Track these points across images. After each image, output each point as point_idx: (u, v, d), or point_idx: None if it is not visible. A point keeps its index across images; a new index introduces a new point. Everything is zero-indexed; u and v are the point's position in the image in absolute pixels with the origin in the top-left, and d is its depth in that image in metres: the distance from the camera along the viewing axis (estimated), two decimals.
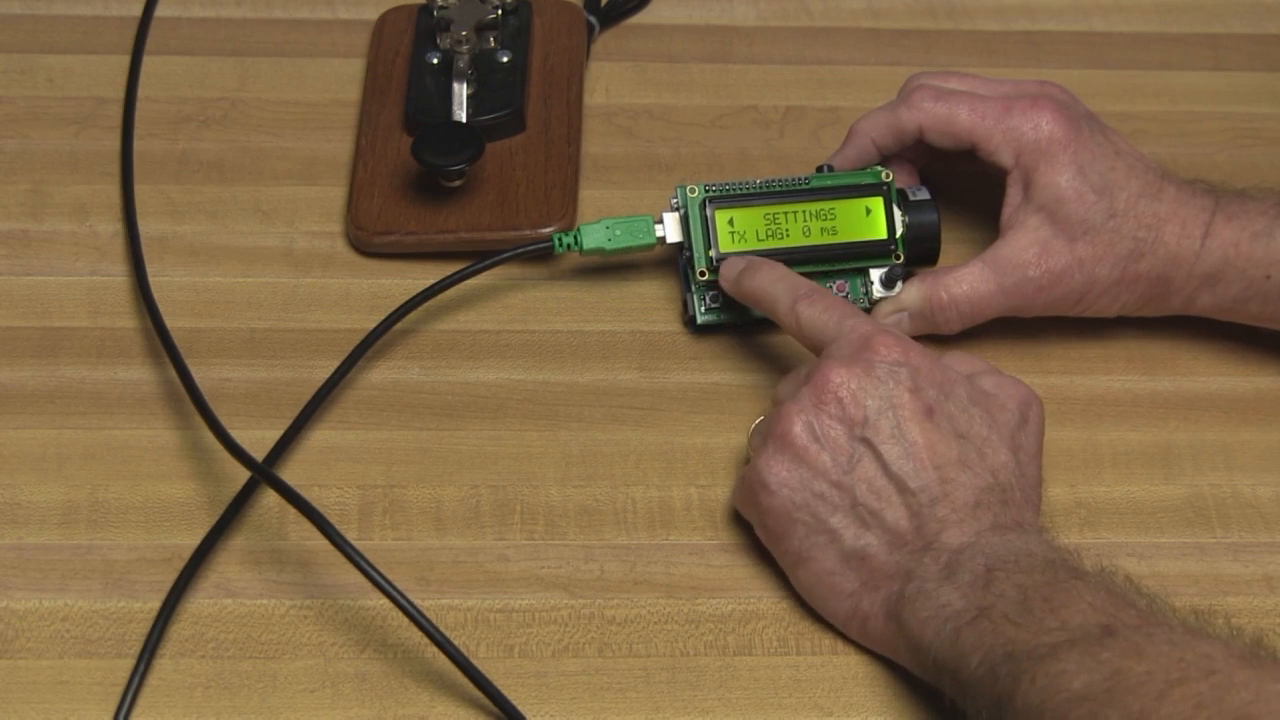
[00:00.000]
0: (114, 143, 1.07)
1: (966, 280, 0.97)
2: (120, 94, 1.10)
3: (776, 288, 0.93)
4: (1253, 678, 0.73)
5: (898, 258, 1.00)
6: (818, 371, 0.87)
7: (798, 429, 0.87)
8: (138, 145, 1.07)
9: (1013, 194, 0.98)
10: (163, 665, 0.86)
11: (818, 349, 0.90)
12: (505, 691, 0.85)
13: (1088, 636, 0.77)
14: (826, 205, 0.99)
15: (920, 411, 0.86)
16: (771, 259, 0.97)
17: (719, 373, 0.99)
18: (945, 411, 0.87)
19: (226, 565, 0.90)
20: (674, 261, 1.02)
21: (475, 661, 0.85)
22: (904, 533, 0.85)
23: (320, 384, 0.95)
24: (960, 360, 0.91)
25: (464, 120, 1.05)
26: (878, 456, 0.86)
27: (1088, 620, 0.78)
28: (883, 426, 0.86)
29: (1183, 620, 0.79)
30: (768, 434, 0.88)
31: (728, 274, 0.96)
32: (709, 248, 0.98)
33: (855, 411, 0.86)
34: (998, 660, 0.79)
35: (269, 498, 0.92)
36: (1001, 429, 0.87)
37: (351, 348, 0.96)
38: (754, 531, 0.91)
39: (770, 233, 0.98)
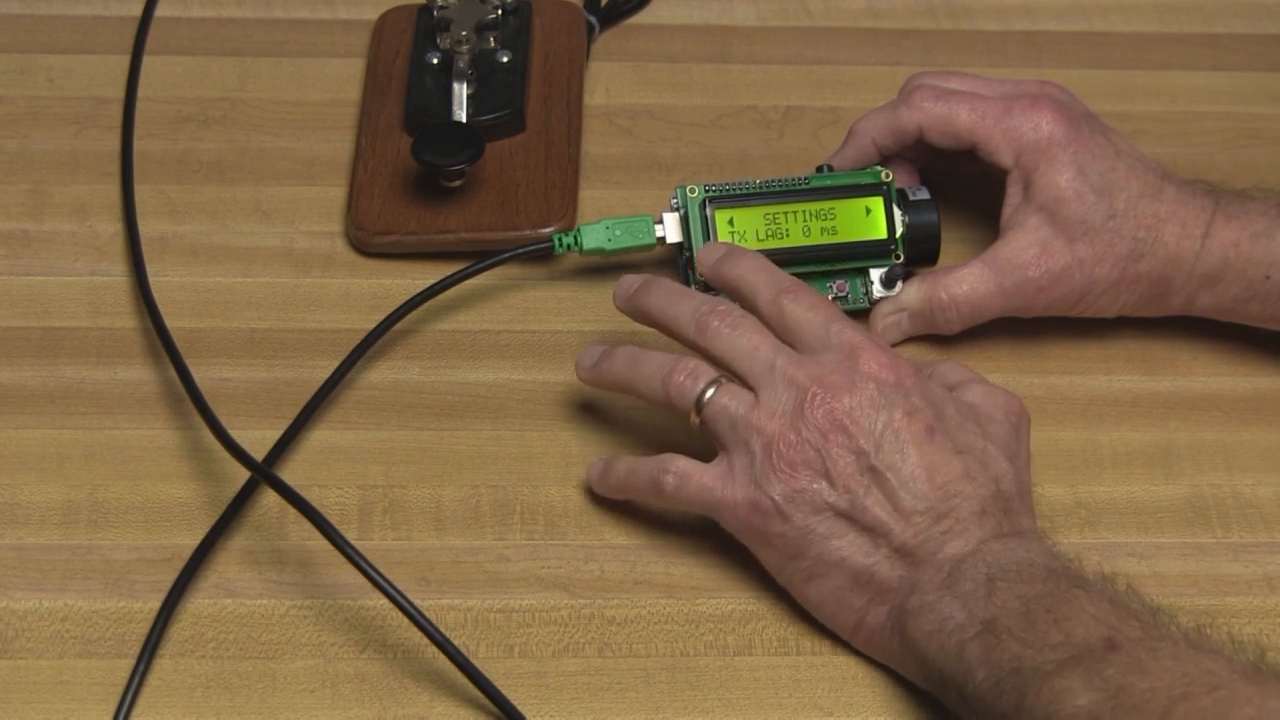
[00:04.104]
0: (114, 143, 1.07)
1: (966, 280, 0.97)
2: (120, 94, 1.10)
3: (758, 278, 0.91)
4: (1256, 694, 0.73)
5: (898, 257, 0.99)
6: (821, 398, 0.86)
7: (808, 456, 0.86)
8: (138, 145, 1.07)
9: (1013, 194, 0.97)
10: (163, 665, 0.86)
11: (795, 345, 0.90)
12: (505, 691, 0.85)
13: (1091, 652, 0.77)
14: (826, 205, 0.99)
15: (921, 433, 0.86)
16: (771, 258, 0.97)
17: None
18: (944, 429, 0.86)
19: (226, 565, 0.90)
20: (674, 261, 1.02)
21: (475, 661, 0.85)
22: (911, 549, 0.85)
23: (320, 384, 0.95)
24: (949, 370, 0.91)
25: (464, 120, 1.05)
26: (884, 482, 0.85)
27: (1090, 633, 0.78)
28: (887, 451, 0.86)
29: (1185, 633, 0.79)
30: (776, 459, 0.86)
31: (706, 258, 0.93)
32: None
33: (863, 441, 0.86)
34: (1003, 676, 0.79)
35: (269, 498, 0.92)
36: (996, 440, 0.87)
37: (351, 348, 0.96)
38: None
39: (770, 233, 0.98)
